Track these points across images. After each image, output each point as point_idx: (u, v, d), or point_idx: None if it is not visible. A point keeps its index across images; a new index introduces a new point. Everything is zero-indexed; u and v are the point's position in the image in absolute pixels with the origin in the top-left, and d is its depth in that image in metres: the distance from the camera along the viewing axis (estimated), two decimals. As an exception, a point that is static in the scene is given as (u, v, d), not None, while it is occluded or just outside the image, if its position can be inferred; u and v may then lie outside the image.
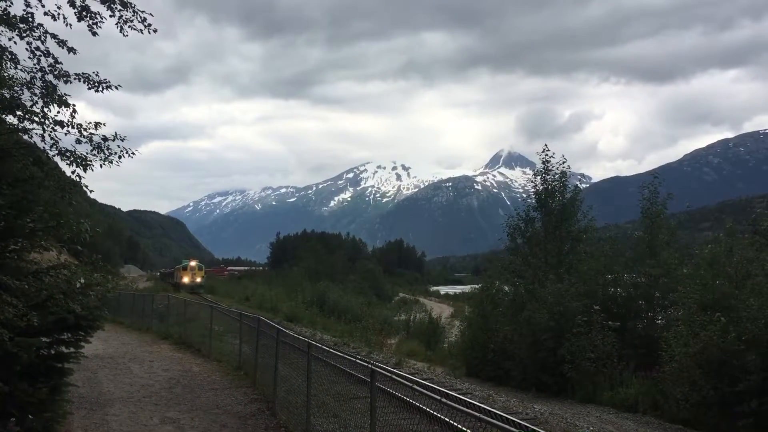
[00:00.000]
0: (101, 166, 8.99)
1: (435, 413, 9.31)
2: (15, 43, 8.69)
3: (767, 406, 11.67)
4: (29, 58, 8.78)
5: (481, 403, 13.43)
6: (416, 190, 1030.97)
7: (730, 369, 12.56)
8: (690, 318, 14.08)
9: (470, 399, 13.79)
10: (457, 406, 5.57)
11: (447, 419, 9.22)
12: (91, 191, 9.49)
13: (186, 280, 69.26)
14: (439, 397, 5.82)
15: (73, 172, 8.90)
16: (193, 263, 73.76)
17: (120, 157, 9.06)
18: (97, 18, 8.93)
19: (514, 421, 10.68)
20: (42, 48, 8.78)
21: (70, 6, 8.81)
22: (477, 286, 28.45)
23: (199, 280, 70.44)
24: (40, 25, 8.73)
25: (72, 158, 8.79)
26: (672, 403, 13.81)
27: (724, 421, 12.57)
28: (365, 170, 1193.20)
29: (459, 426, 8.83)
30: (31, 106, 8.63)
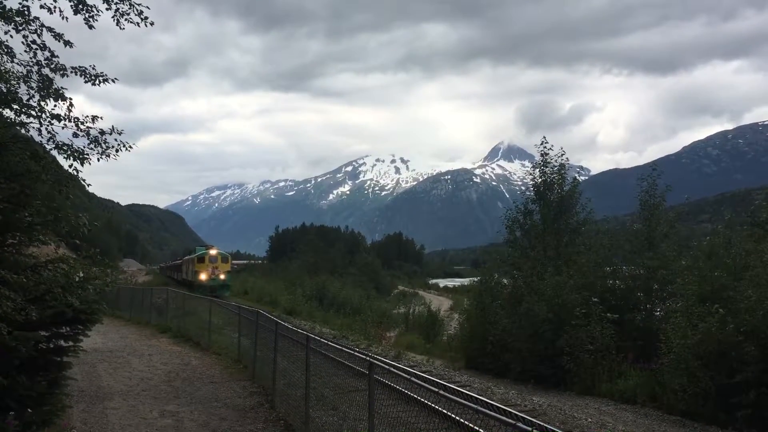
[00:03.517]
0: (99, 159, 8.98)
1: (433, 405, 9.33)
2: (11, 36, 8.66)
3: (765, 397, 11.70)
4: (25, 51, 8.75)
5: (480, 395, 13.48)
6: (415, 183, 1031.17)
7: (728, 360, 12.58)
8: (688, 310, 14.09)
9: (469, 391, 13.83)
10: (455, 398, 5.58)
11: (445, 411, 9.25)
12: (88, 185, 9.47)
13: (204, 276, 49.28)
14: (437, 389, 5.83)
15: (70, 166, 8.89)
16: (213, 252, 52.04)
17: (117, 150, 9.05)
18: (93, 11, 8.90)
19: (512, 412, 10.70)
20: (38, 41, 8.75)
21: (67, -1, 8.77)
22: (476, 279, 28.47)
23: (223, 276, 50.17)
24: (36, 18, 8.69)
25: (69, 152, 8.77)
26: (670, 394, 13.84)
27: (722, 412, 12.60)
28: (364, 163, 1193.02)
29: (457, 418, 8.86)
30: (28, 100, 8.60)
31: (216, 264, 50.17)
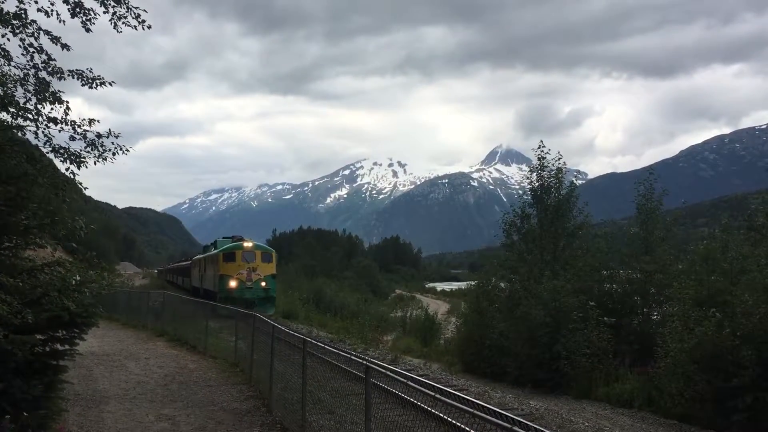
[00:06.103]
0: (95, 163, 8.97)
1: (430, 409, 9.31)
2: (8, 39, 8.66)
3: (761, 401, 11.71)
4: (22, 54, 8.75)
5: (477, 399, 13.46)
6: (412, 186, 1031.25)
7: (724, 364, 12.58)
8: (685, 314, 14.11)
9: (466, 395, 13.82)
10: (452, 401, 5.58)
11: (442, 415, 9.23)
12: (85, 188, 9.47)
13: (233, 284, 32.60)
14: (433, 394, 5.83)
15: (67, 169, 8.88)
16: (249, 244, 34.75)
17: (114, 153, 9.04)
18: (90, 14, 8.91)
19: (509, 417, 10.69)
20: (35, 44, 8.74)
21: (64, 2, 8.77)
22: (473, 283, 28.47)
23: (264, 283, 33.29)
24: (33, 21, 8.69)
25: (66, 155, 8.76)
26: (667, 398, 13.84)
27: (718, 416, 12.61)
28: (361, 167, 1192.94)
29: (454, 422, 8.84)
30: (25, 103, 8.59)
31: (254, 263, 33.44)
